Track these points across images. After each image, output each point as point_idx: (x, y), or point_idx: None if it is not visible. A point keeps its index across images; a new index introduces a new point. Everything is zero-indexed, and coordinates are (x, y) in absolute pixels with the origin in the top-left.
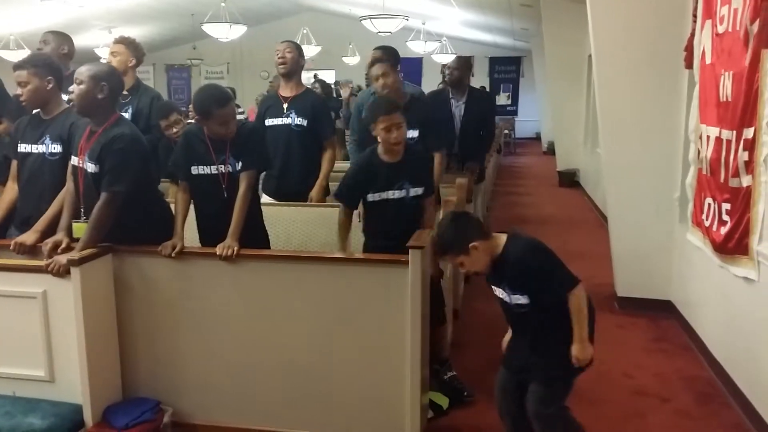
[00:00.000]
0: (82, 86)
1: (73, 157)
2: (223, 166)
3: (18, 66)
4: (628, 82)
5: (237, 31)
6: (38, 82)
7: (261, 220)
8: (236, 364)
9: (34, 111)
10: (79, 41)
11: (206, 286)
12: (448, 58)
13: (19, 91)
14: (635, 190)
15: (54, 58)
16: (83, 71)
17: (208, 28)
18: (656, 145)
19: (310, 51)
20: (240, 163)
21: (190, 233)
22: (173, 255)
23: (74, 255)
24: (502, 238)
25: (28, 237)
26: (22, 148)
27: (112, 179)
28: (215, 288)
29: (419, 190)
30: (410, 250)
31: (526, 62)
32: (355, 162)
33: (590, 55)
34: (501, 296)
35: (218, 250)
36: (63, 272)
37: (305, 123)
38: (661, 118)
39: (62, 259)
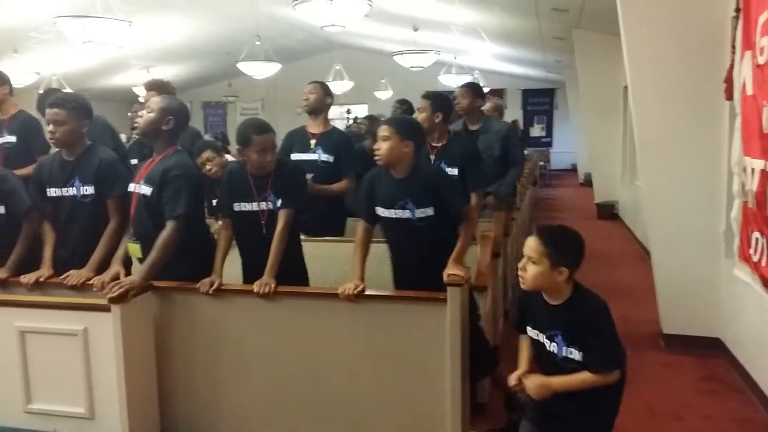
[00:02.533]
0: (151, 115)
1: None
2: (264, 203)
3: (55, 104)
4: (666, 113)
5: (271, 69)
6: (75, 123)
7: (300, 257)
8: (274, 401)
9: (55, 151)
10: (119, 80)
11: (244, 323)
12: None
13: (50, 127)
14: (678, 224)
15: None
16: (156, 101)
17: (244, 66)
18: (698, 177)
19: (342, 86)
20: (280, 201)
21: (234, 268)
22: (211, 292)
23: (116, 290)
24: (571, 285)
25: (85, 273)
26: (51, 192)
27: (174, 205)
28: (253, 325)
29: (428, 211)
30: (448, 288)
31: (560, 94)
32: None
33: (626, 87)
34: (544, 342)
35: (255, 287)
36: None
37: (331, 159)
38: (702, 150)
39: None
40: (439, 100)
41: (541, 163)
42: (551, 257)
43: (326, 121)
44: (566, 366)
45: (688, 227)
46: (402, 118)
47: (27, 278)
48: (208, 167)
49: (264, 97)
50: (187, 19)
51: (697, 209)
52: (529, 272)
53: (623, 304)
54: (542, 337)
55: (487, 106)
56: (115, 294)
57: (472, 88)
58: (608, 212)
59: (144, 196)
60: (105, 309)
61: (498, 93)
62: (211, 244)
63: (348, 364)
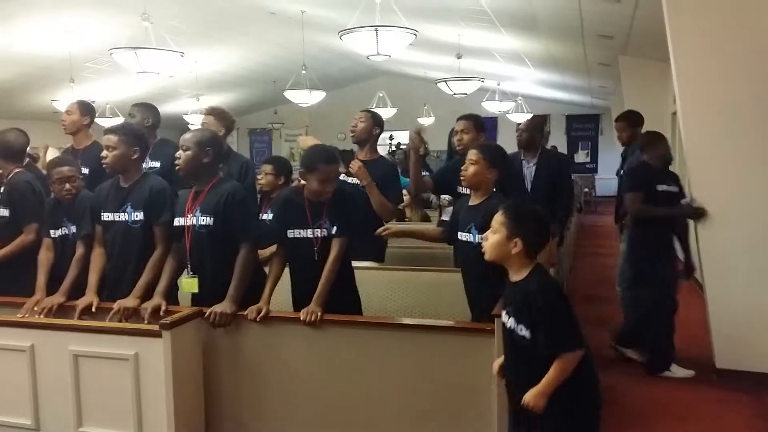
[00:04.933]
0: (188, 152)
1: (177, 218)
2: (318, 230)
3: (110, 131)
4: (718, 140)
5: (316, 97)
6: (125, 150)
7: (352, 284)
8: (318, 428)
9: (112, 178)
10: (170, 108)
11: (291, 350)
12: (523, 117)
13: (103, 152)
14: (732, 254)
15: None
16: (188, 138)
17: (290, 94)
18: (753, 206)
19: (385, 113)
20: (335, 228)
21: (284, 297)
22: (258, 319)
23: (168, 318)
24: (531, 266)
25: (130, 301)
26: (105, 216)
27: (245, 230)
28: (299, 352)
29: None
30: (495, 319)
31: (605, 119)
32: None
33: (674, 113)
34: (504, 319)
35: (302, 315)
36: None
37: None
38: (757, 177)
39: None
40: (480, 123)
41: (586, 189)
42: (508, 227)
43: (373, 150)
44: (520, 343)
45: (744, 257)
46: (491, 145)
47: (77, 308)
48: (260, 177)
49: (308, 124)
50: (236, 50)
51: (753, 238)
52: (489, 240)
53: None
54: (504, 315)
55: (521, 126)
56: (168, 321)
57: (538, 126)
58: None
59: (204, 226)
60: (156, 335)
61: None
62: (260, 270)
63: (394, 393)
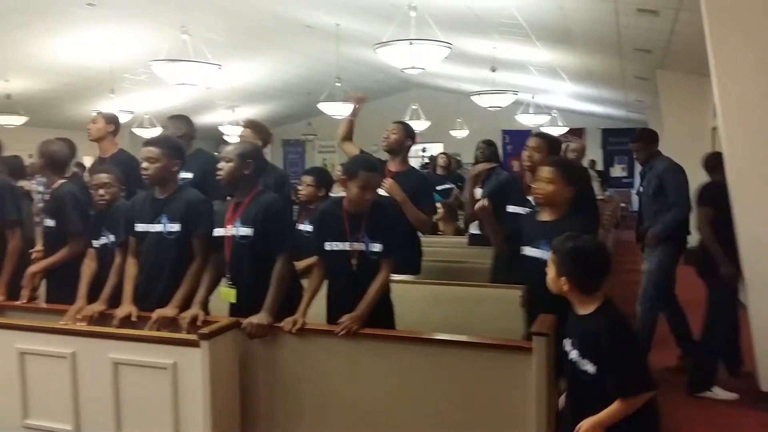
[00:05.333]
0: (231, 164)
1: (217, 229)
2: (356, 243)
3: (150, 143)
4: (761, 155)
5: (350, 109)
6: (166, 162)
7: (388, 298)
8: None
9: (146, 190)
10: (206, 119)
11: (326, 363)
12: (558, 131)
13: (144, 164)
14: None
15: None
16: (231, 150)
17: (324, 107)
18: None
19: (419, 126)
20: (377, 244)
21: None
22: (294, 331)
23: (206, 328)
24: (598, 301)
25: (169, 311)
26: (140, 227)
27: (281, 242)
28: (334, 366)
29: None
30: (534, 337)
31: None
32: None
33: (714, 128)
34: (567, 350)
35: (337, 328)
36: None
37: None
38: None
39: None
40: (553, 144)
41: (623, 204)
42: (557, 265)
43: (404, 161)
44: (582, 376)
45: None
46: (568, 162)
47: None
48: (300, 188)
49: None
50: (271, 62)
51: None
52: (548, 274)
53: None
54: (568, 344)
55: (572, 146)
56: (207, 332)
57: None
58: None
59: (244, 237)
60: (194, 344)
61: (577, 132)
62: (296, 282)
63: (428, 410)
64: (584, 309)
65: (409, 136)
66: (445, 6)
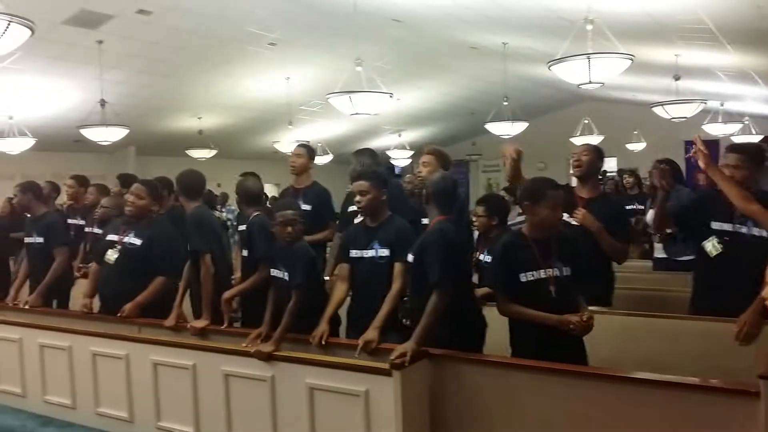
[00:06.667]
0: (369, 195)
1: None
2: (550, 269)
3: (361, 176)
4: None
5: (518, 128)
6: (376, 193)
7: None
8: None
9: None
10: (372, 144)
11: (517, 398)
12: (752, 140)
13: (357, 198)
14: None
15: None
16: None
17: (491, 127)
18: None
19: (592, 141)
20: (567, 268)
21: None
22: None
23: (396, 359)
24: None
25: (371, 333)
26: (354, 253)
27: (434, 271)
28: (526, 401)
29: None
30: (761, 381)
31: None
32: None
33: None
34: None
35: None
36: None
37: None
38: None
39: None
40: (760, 156)
41: None
42: None
43: (595, 185)
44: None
45: None
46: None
47: (315, 339)
48: (474, 220)
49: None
50: (437, 85)
51: None
52: None
53: None
54: None
55: None
56: (397, 362)
57: None
58: None
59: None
60: (386, 373)
61: None
62: (477, 310)
63: None
64: None
65: (600, 157)
66: (622, 16)
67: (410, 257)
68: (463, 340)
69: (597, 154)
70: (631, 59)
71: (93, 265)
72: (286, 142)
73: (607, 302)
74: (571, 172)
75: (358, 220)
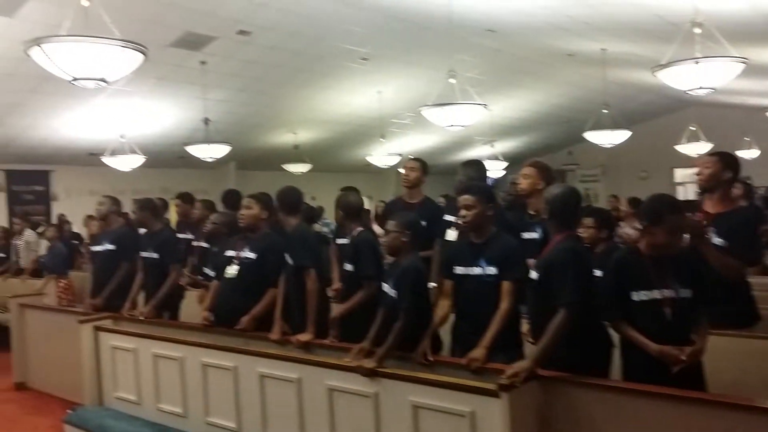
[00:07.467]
0: (475, 210)
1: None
2: (666, 290)
3: (466, 191)
4: None
5: (620, 136)
6: (482, 208)
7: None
8: None
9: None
10: (465, 155)
11: (627, 424)
12: None
13: (462, 212)
14: None
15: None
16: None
17: (590, 136)
18: None
19: (699, 148)
20: (686, 290)
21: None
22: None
23: (508, 378)
24: None
25: (478, 352)
26: (458, 270)
27: (561, 291)
28: (636, 427)
29: None
30: None
31: None
32: None
33: None
34: None
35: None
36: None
37: (726, 244)
38: None
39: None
40: None
41: None
42: None
43: (726, 198)
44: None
45: None
46: None
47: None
48: (581, 231)
49: (605, 163)
50: (531, 94)
51: None
52: None
53: None
54: None
55: None
56: (506, 382)
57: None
58: None
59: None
60: (493, 394)
61: None
62: (603, 328)
63: None
64: None
65: (727, 166)
66: (732, 16)
67: (534, 275)
68: (585, 361)
69: (722, 163)
70: (745, 62)
71: (213, 282)
72: (377, 156)
73: (746, 324)
74: (698, 183)
75: (452, 232)
